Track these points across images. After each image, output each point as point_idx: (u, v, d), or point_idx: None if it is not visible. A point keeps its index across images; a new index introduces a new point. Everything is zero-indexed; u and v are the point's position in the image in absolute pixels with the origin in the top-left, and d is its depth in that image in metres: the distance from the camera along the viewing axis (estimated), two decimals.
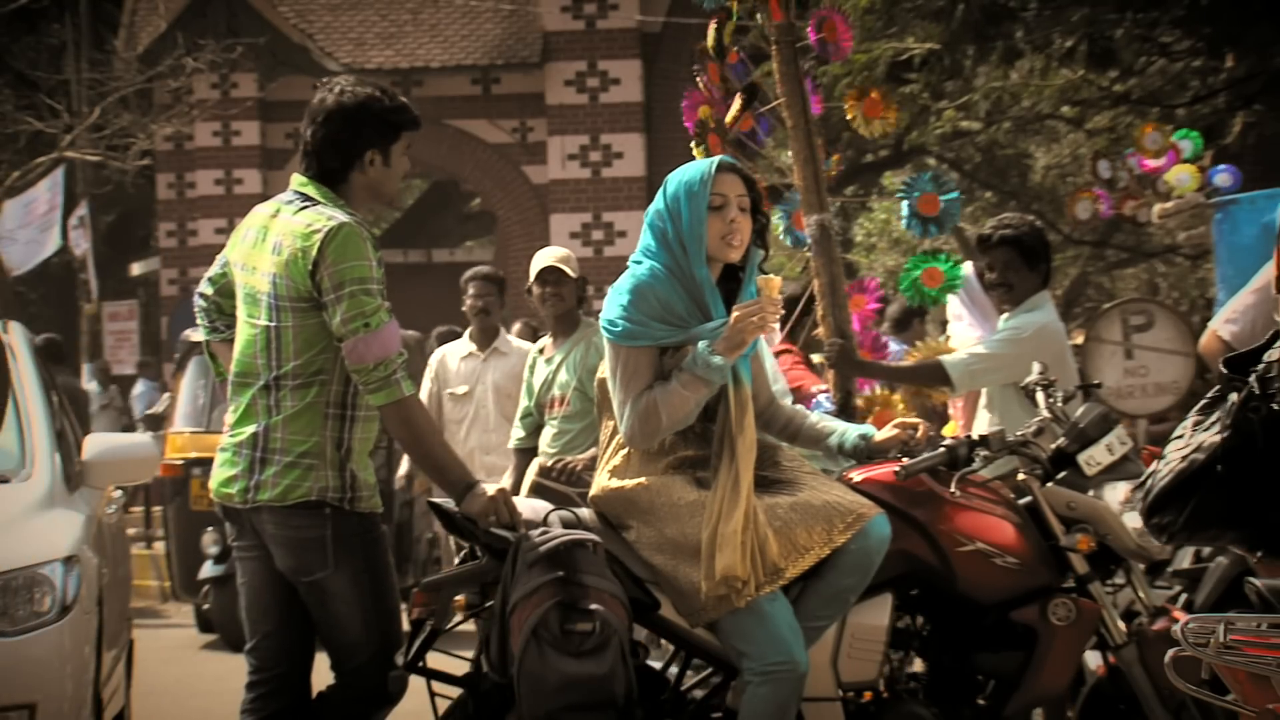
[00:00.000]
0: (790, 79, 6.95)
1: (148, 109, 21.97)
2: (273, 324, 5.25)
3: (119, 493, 8.65)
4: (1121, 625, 5.54)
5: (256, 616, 5.38)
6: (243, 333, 5.35)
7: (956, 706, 5.48)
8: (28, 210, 20.90)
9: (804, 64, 7.03)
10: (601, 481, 5.42)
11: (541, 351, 8.41)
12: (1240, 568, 6.50)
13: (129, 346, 23.54)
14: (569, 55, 22.65)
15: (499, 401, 9.81)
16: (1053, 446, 5.67)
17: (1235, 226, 9.89)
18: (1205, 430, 4.00)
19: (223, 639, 12.25)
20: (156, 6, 22.87)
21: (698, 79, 7.25)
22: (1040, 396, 5.89)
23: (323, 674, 5.42)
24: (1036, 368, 6.05)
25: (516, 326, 11.65)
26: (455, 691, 5.39)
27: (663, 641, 5.63)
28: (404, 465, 12.13)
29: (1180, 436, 4.06)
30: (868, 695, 5.47)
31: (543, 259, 8.35)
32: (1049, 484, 5.61)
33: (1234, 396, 3.96)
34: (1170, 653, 4.01)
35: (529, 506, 5.37)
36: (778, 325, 6.99)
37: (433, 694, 5.36)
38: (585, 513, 5.40)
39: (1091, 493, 5.57)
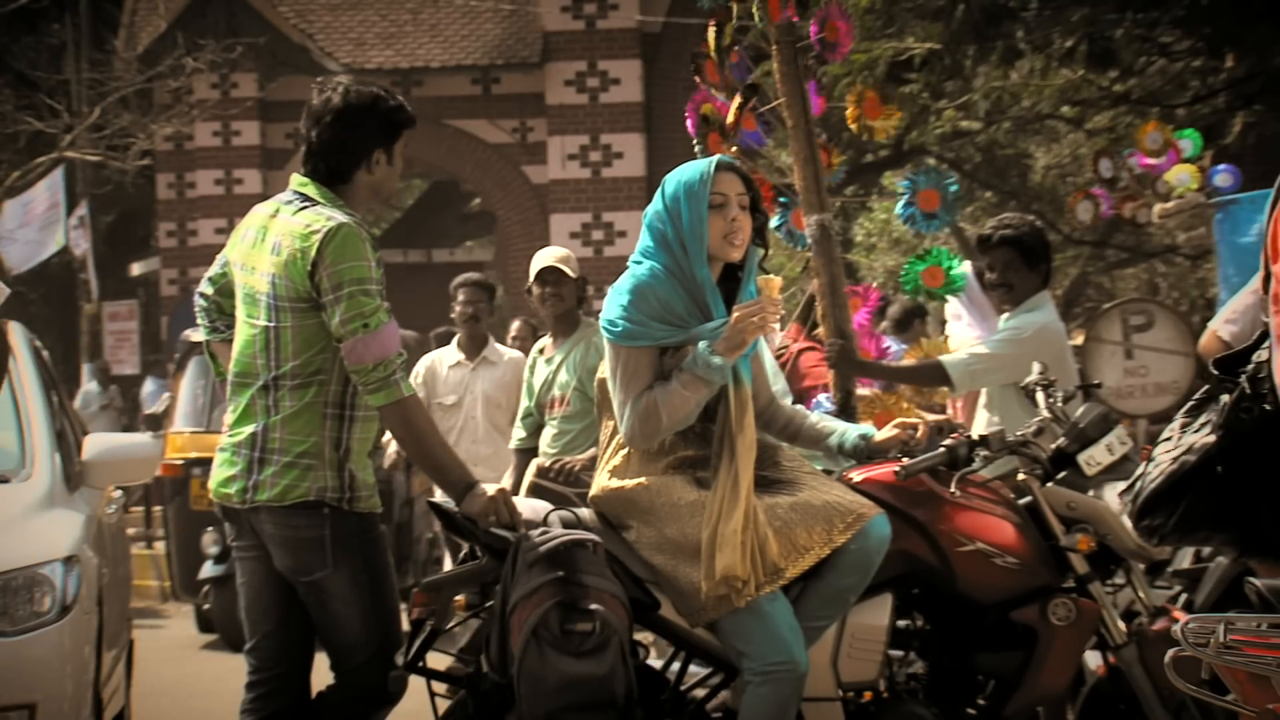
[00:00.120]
0: (790, 79, 6.95)
1: (148, 109, 21.97)
2: (272, 324, 5.25)
3: (119, 493, 8.65)
4: (1121, 625, 5.54)
5: (256, 616, 5.38)
6: (242, 333, 5.35)
7: (956, 706, 5.48)
8: (27, 210, 20.90)
9: (804, 63, 7.03)
10: (601, 481, 5.42)
11: (541, 351, 8.41)
12: (1240, 568, 6.50)
13: (129, 346, 23.54)
14: (569, 55, 22.65)
15: (488, 412, 9.73)
16: (1053, 446, 5.66)
17: (1236, 226, 9.90)
18: (1195, 432, 4.00)
19: (223, 639, 12.25)
20: (156, 6, 22.87)
21: (697, 79, 7.25)
22: (1040, 396, 5.88)
23: (323, 674, 5.42)
24: (1036, 368, 6.05)
25: (516, 324, 11.60)
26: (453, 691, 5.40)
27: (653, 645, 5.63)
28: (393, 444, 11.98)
29: (1169, 438, 4.06)
30: (868, 695, 5.47)
31: (542, 259, 8.35)
32: (1049, 484, 5.61)
33: (1225, 397, 3.96)
34: (1170, 653, 4.01)
35: (529, 506, 5.37)
36: (778, 325, 6.99)
37: (433, 694, 5.36)
38: (585, 513, 5.40)
39: (1091, 493, 5.57)
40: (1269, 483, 3.89)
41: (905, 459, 5.51)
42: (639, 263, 5.35)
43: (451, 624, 5.41)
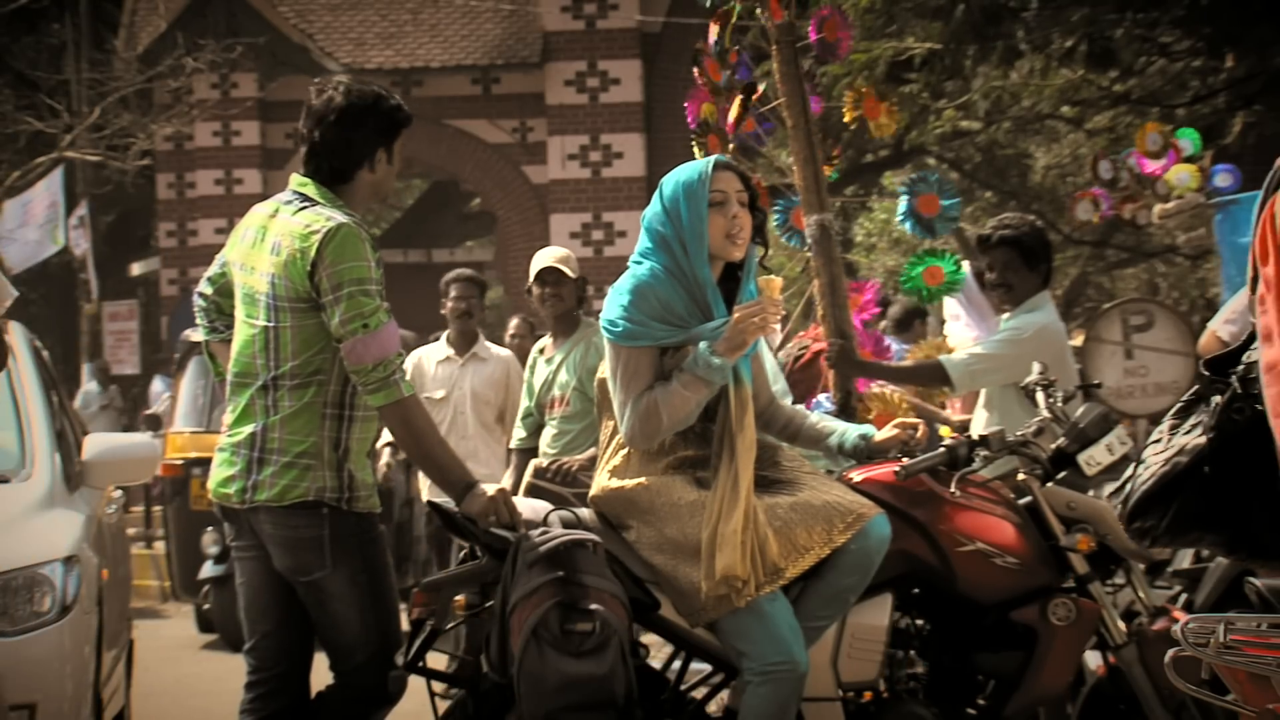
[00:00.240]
0: (790, 79, 6.95)
1: (148, 109, 21.97)
2: (271, 324, 5.25)
3: (119, 493, 8.66)
4: (1121, 625, 5.54)
5: (255, 616, 5.38)
6: (241, 333, 5.35)
7: (956, 707, 5.48)
8: (26, 210, 20.91)
9: (804, 63, 7.03)
10: (601, 481, 5.42)
11: (542, 351, 8.40)
12: (1240, 568, 6.49)
13: (129, 346, 23.54)
14: (569, 55, 22.65)
15: (477, 408, 9.72)
16: (1053, 446, 5.66)
17: (1236, 226, 9.89)
18: (1185, 433, 3.99)
19: (223, 639, 12.25)
20: (156, 6, 22.87)
21: (698, 78, 7.25)
22: (1040, 396, 5.88)
23: (323, 674, 5.42)
24: (1036, 368, 6.05)
25: (514, 322, 11.58)
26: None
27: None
28: (383, 457, 11.90)
29: (1158, 440, 4.06)
30: (868, 695, 5.47)
31: (542, 259, 8.34)
32: (1049, 484, 5.61)
33: (1217, 398, 3.95)
34: (1170, 653, 4.00)
35: (529, 506, 5.37)
36: (778, 326, 6.98)
37: (433, 694, 5.36)
38: (585, 513, 5.40)
39: (1091, 493, 5.57)
40: (1259, 484, 3.89)
41: (905, 459, 5.52)
42: (639, 263, 5.35)
43: (451, 624, 5.41)
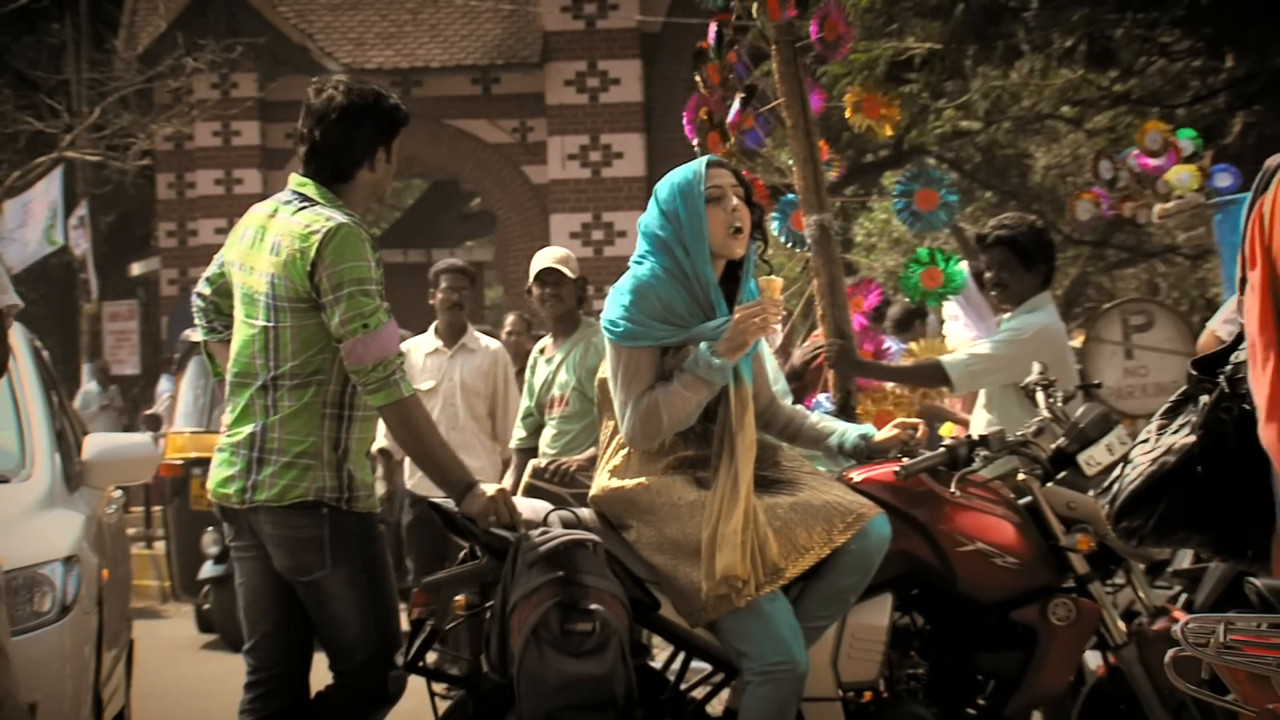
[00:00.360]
0: (790, 79, 6.95)
1: (148, 109, 21.97)
2: (270, 324, 5.25)
3: (119, 493, 8.66)
4: (1121, 625, 5.54)
5: (254, 616, 5.38)
6: (240, 333, 5.35)
7: (956, 706, 5.48)
8: (26, 210, 20.90)
9: (804, 62, 7.02)
10: (601, 481, 5.42)
11: (542, 351, 8.41)
12: (1240, 568, 6.50)
13: (129, 346, 23.54)
14: (569, 55, 22.64)
15: (467, 399, 9.70)
16: (1053, 446, 5.66)
17: (1235, 226, 9.87)
18: (1173, 433, 3.99)
19: (223, 639, 12.24)
20: (156, 6, 22.86)
21: (697, 79, 7.25)
22: (1040, 397, 5.88)
23: (324, 674, 5.42)
24: (1036, 368, 6.05)
25: (511, 319, 11.57)
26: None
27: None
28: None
29: (1145, 440, 4.05)
30: (868, 695, 5.47)
31: (542, 260, 8.34)
32: (1049, 484, 5.61)
33: (1204, 398, 3.95)
34: (1170, 653, 4.00)
35: (529, 506, 5.37)
36: (779, 326, 6.99)
37: (433, 694, 5.36)
38: (585, 512, 5.40)
39: (1091, 493, 5.57)
40: (1244, 484, 3.88)
41: (905, 459, 5.52)
42: (640, 262, 5.35)
43: (451, 624, 5.41)
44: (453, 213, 29.08)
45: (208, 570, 12.34)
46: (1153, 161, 11.01)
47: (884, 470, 5.52)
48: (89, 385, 21.94)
